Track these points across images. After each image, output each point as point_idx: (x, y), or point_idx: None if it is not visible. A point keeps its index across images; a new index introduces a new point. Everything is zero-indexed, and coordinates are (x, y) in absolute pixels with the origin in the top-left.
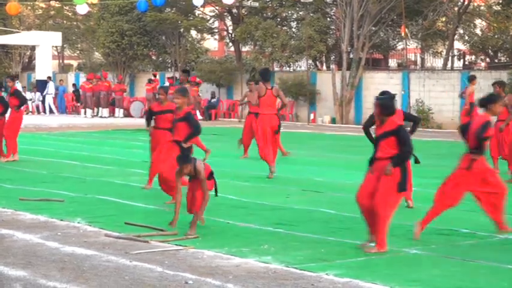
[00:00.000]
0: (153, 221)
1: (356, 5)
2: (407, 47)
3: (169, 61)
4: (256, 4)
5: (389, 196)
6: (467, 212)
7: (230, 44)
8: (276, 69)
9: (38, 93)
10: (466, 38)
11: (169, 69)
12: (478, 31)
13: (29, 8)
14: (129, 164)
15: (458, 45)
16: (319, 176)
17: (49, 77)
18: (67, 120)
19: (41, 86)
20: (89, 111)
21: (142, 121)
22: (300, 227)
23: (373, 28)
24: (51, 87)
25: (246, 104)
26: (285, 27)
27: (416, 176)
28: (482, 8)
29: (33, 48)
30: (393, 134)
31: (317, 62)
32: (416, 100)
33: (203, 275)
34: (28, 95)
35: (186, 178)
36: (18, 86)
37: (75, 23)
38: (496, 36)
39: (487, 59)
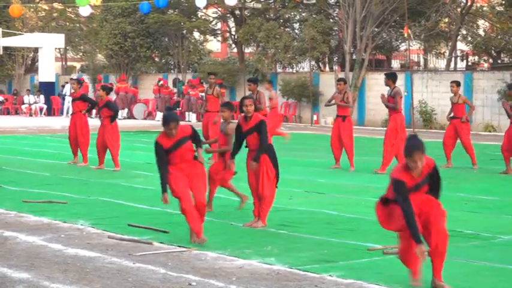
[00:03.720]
0: (156, 222)
1: (359, 6)
2: (410, 48)
3: (172, 63)
4: (259, 5)
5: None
6: (470, 213)
7: (233, 45)
8: (278, 70)
9: (42, 96)
10: (469, 38)
11: (172, 71)
12: (481, 32)
13: (32, 10)
14: (132, 165)
15: (461, 46)
16: (322, 177)
17: (71, 79)
18: None
19: (44, 88)
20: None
21: (145, 123)
22: (303, 228)
23: (376, 29)
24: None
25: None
26: (287, 29)
27: None
28: (485, 8)
29: (36, 50)
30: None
31: (320, 63)
32: (419, 101)
33: (206, 276)
34: (31, 98)
35: None
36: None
37: (78, 25)
38: (499, 37)
39: (490, 60)
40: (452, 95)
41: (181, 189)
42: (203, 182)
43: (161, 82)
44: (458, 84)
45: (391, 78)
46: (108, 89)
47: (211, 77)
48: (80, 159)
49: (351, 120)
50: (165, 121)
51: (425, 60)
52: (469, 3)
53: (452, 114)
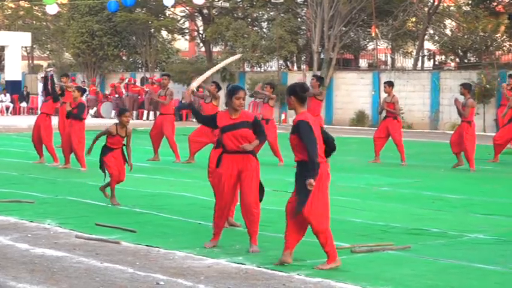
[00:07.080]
0: (124, 221)
1: (326, 6)
2: (378, 47)
3: (140, 61)
4: (227, 4)
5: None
6: (437, 212)
7: (201, 44)
8: (246, 69)
9: (8, 95)
10: (436, 38)
11: (139, 70)
12: (447, 31)
13: None
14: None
15: (428, 45)
16: (289, 177)
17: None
18: None
19: (10, 86)
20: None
21: (112, 122)
22: (271, 227)
23: (344, 28)
24: None
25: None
26: (255, 28)
27: (387, 175)
28: (452, 8)
29: (2, 48)
30: None
31: (288, 63)
32: None
33: (174, 275)
34: None
35: None
36: None
37: (44, 23)
38: (465, 37)
39: (457, 59)
40: (386, 95)
41: (221, 194)
42: (255, 181)
43: (124, 81)
44: (390, 84)
45: (318, 80)
46: (83, 90)
47: (165, 77)
48: (48, 159)
49: (274, 123)
50: (233, 90)
51: (393, 59)
52: (436, 3)
53: (384, 114)
